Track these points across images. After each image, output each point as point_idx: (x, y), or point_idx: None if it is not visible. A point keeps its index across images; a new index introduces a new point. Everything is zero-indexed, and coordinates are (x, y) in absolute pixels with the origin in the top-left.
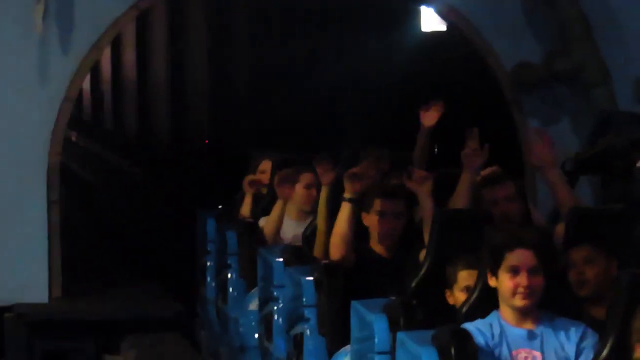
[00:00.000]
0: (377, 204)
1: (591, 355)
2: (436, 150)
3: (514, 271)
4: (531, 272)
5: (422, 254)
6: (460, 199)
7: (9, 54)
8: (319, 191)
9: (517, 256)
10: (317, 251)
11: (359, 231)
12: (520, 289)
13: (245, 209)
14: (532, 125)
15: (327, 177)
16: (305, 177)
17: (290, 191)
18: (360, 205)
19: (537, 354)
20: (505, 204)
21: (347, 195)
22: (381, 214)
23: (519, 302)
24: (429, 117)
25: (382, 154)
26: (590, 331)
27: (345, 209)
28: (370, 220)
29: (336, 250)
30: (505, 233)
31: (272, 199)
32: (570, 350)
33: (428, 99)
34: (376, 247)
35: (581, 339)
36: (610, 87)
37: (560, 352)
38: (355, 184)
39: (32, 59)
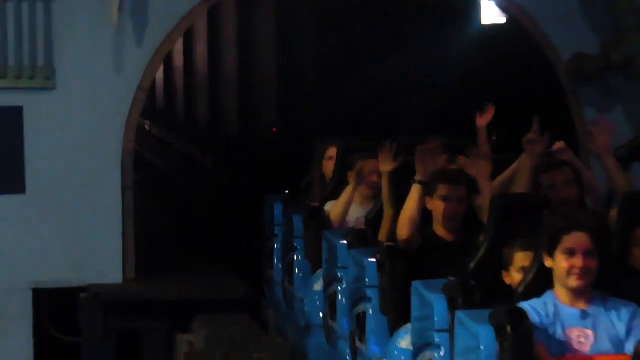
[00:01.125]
0: (441, 188)
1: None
2: (494, 138)
3: (570, 253)
4: (586, 253)
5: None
6: (520, 183)
7: (86, 44)
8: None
9: (573, 238)
10: (382, 234)
11: (422, 215)
12: (575, 270)
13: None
14: (588, 113)
15: (386, 165)
16: (368, 164)
17: (363, 184)
18: (425, 190)
19: (589, 332)
20: (562, 189)
21: (417, 177)
22: (445, 198)
23: (573, 282)
24: (483, 119)
25: (442, 140)
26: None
27: (414, 191)
28: (434, 204)
29: (404, 230)
30: (562, 216)
31: (337, 183)
32: (621, 329)
33: (488, 91)
34: (439, 230)
35: (631, 318)
36: None
37: (611, 330)
38: (425, 164)
39: (107, 49)
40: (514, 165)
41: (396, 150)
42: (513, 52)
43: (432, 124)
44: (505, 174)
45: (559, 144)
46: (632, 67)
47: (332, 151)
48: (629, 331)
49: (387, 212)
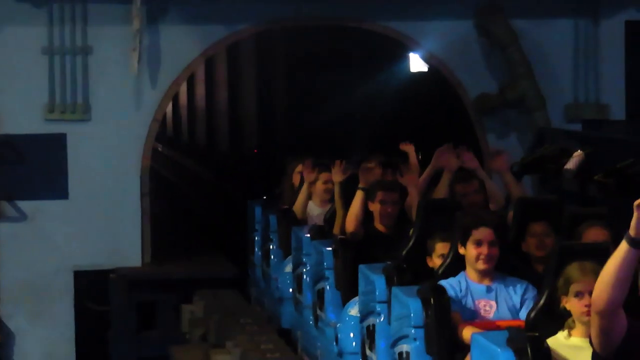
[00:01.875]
0: (380, 194)
1: (531, 304)
2: (420, 157)
3: (478, 243)
4: (490, 244)
5: (411, 230)
6: (441, 190)
7: (114, 87)
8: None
9: (481, 232)
10: (336, 229)
11: (365, 215)
12: (482, 256)
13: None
14: (490, 138)
15: (338, 177)
16: (324, 176)
17: (313, 176)
18: (367, 195)
19: (493, 302)
20: (473, 196)
21: (361, 185)
22: (382, 202)
23: (481, 265)
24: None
25: (381, 158)
26: (531, 287)
27: (358, 196)
28: (374, 206)
29: (351, 225)
30: (472, 216)
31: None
32: (517, 300)
33: (416, 121)
34: (378, 226)
35: (524, 293)
36: (546, 111)
37: (509, 301)
38: (367, 176)
39: (130, 90)
40: (428, 169)
41: (345, 166)
42: (434, 92)
43: (374, 145)
44: (424, 176)
45: (468, 155)
46: (523, 103)
47: (299, 167)
48: (522, 302)
49: (339, 212)
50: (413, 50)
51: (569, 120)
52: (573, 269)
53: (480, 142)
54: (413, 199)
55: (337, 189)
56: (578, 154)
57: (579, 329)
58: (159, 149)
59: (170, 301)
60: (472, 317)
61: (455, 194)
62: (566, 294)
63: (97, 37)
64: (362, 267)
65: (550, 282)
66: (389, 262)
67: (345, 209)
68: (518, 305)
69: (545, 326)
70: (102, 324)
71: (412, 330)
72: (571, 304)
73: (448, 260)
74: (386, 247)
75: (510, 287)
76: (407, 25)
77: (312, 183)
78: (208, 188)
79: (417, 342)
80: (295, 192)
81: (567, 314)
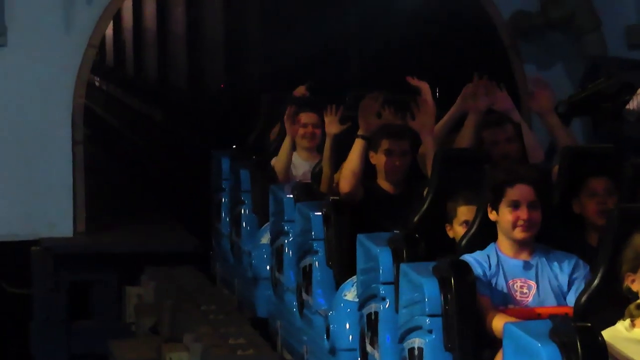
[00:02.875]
0: (385, 143)
1: (582, 285)
2: (437, 95)
3: (515, 205)
4: (530, 206)
5: (425, 191)
6: (465, 138)
7: (36, 2)
8: (323, 131)
9: (518, 191)
10: (323, 187)
11: (366, 170)
12: (520, 222)
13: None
14: (528, 69)
15: (332, 128)
16: (304, 117)
17: (297, 128)
18: (369, 144)
19: (532, 283)
20: (505, 145)
21: (360, 132)
22: (388, 153)
23: (519, 234)
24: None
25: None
26: (582, 263)
27: (357, 146)
28: (378, 158)
29: (346, 183)
30: (506, 170)
31: (282, 138)
32: (563, 280)
33: (431, 48)
34: (383, 184)
35: (573, 271)
36: (600, 34)
37: (554, 281)
38: (369, 120)
39: (58, 7)
40: (451, 111)
41: (343, 112)
42: (455, 10)
43: (378, 78)
44: (444, 121)
45: (500, 94)
46: (571, 24)
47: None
48: (570, 283)
49: (326, 172)
50: None
51: (631, 46)
52: None
53: (515, 75)
54: (428, 148)
55: (328, 143)
56: None
57: None
58: (96, 83)
59: (110, 282)
60: (506, 301)
61: (483, 142)
62: (635, 270)
63: None
64: (361, 238)
65: (608, 256)
66: (396, 231)
67: (335, 168)
68: (565, 287)
69: (601, 314)
70: (23, 310)
71: (427, 320)
72: None
73: (474, 229)
74: (393, 211)
75: (555, 264)
76: None
77: (292, 129)
78: (160, 135)
79: (433, 335)
80: (275, 139)
81: (633, 297)
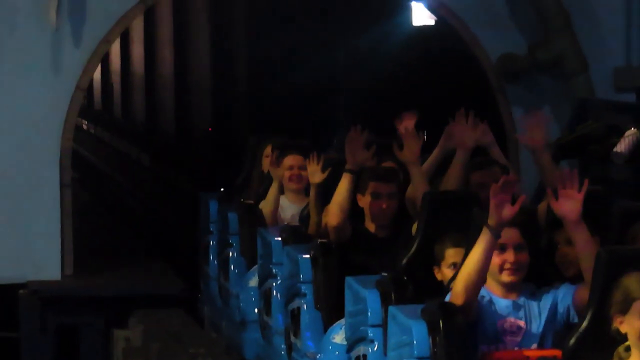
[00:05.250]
0: (372, 186)
1: (569, 299)
2: (425, 136)
3: (502, 248)
4: (517, 248)
5: (414, 230)
6: (452, 179)
7: (24, 45)
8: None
9: (504, 234)
10: (311, 232)
11: (354, 212)
12: (508, 265)
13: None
14: (516, 112)
15: (315, 177)
16: (289, 160)
17: (282, 171)
18: (356, 185)
19: (522, 323)
20: None
21: (348, 166)
22: (375, 195)
23: (506, 277)
24: (404, 124)
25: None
26: (566, 284)
27: (345, 180)
28: (365, 201)
29: (334, 217)
30: None
31: (271, 181)
32: (550, 311)
33: (419, 90)
34: (370, 226)
35: (556, 294)
36: (588, 77)
37: (542, 318)
38: (357, 154)
39: (46, 50)
40: (436, 151)
41: (325, 160)
42: (443, 53)
43: (366, 120)
44: (430, 159)
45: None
46: (558, 66)
47: (269, 150)
48: (554, 305)
49: (313, 218)
50: None
51: (619, 89)
52: (635, 281)
53: (503, 117)
54: (417, 187)
55: (313, 192)
56: (631, 132)
57: (635, 357)
58: (84, 126)
59: (98, 325)
60: (496, 340)
61: (469, 183)
62: (623, 312)
63: None
64: (349, 280)
65: (596, 298)
66: (384, 274)
67: (321, 215)
68: (551, 317)
69: (590, 356)
70: (10, 354)
71: None
72: (631, 324)
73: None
74: (381, 254)
75: (542, 301)
76: None
77: (275, 171)
78: (148, 178)
79: None
80: (263, 182)
81: (622, 339)
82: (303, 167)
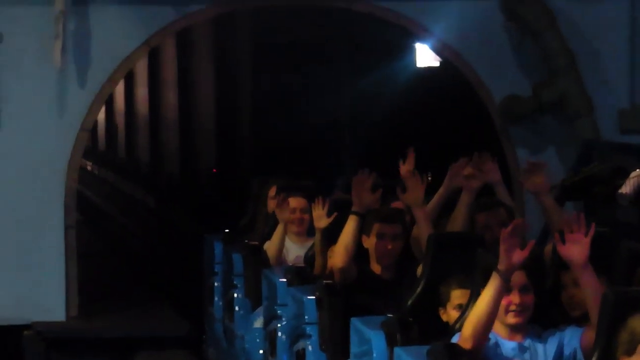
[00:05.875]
0: (376, 227)
1: (576, 343)
2: (430, 178)
3: (507, 290)
4: (523, 290)
5: (419, 271)
6: (458, 220)
7: (29, 85)
8: (311, 215)
9: None
10: (316, 271)
11: (360, 253)
12: (513, 307)
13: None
14: (520, 154)
15: (321, 222)
16: (292, 202)
17: (286, 214)
18: (363, 226)
19: None
20: (497, 229)
21: (354, 208)
22: (380, 236)
23: (511, 319)
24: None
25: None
26: (570, 327)
27: (351, 222)
28: (370, 242)
29: (339, 260)
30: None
31: (275, 222)
32: (556, 354)
33: (423, 132)
34: (375, 267)
35: (561, 337)
36: (593, 118)
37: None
38: (363, 196)
39: (50, 91)
40: (441, 190)
41: (330, 204)
42: (447, 94)
43: (369, 163)
44: (435, 200)
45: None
46: (563, 107)
47: (274, 191)
48: (561, 349)
49: (318, 261)
50: (420, 39)
51: (624, 131)
52: None
53: (507, 159)
54: (421, 229)
55: (318, 237)
56: (636, 174)
57: None
58: (88, 167)
59: None
60: None
61: (474, 224)
62: (630, 353)
63: (9, 21)
64: (355, 321)
65: (603, 339)
66: (390, 315)
67: (326, 259)
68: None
69: None
70: None
71: None
72: None
73: (468, 313)
74: (386, 295)
75: (548, 343)
76: (413, 7)
77: (281, 212)
78: (152, 219)
79: None
80: (268, 223)
81: None
82: (305, 210)
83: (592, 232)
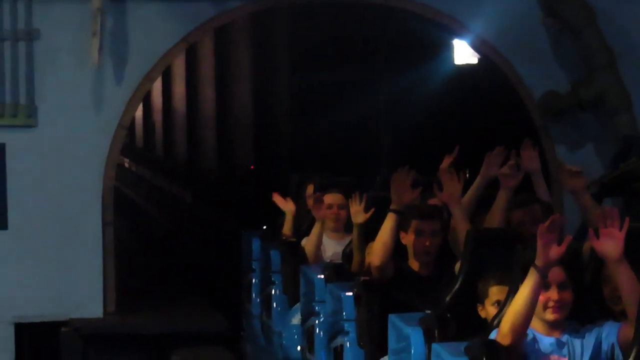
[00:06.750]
0: (415, 224)
1: (614, 338)
2: (467, 175)
3: (545, 286)
4: (561, 286)
5: (457, 268)
6: (495, 217)
7: (67, 83)
8: (348, 211)
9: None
10: (354, 266)
11: (398, 250)
12: (551, 303)
13: (287, 227)
14: (559, 150)
15: (358, 217)
16: (328, 198)
17: (324, 210)
18: (400, 222)
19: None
20: (532, 226)
21: (392, 206)
22: (418, 233)
23: (549, 315)
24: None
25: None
26: (608, 323)
27: (389, 220)
28: (408, 239)
29: (377, 257)
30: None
31: (313, 219)
32: (594, 349)
33: (461, 129)
34: (413, 264)
35: (599, 332)
36: (632, 114)
37: (586, 356)
38: (402, 194)
39: (88, 88)
40: (477, 180)
41: (368, 199)
42: (486, 91)
43: (408, 159)
44: (471, 192)
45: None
46: (601, 104)
47: (311, 189)
48: (598, 344)
49: (356, 257)
50: (459, 35)
51: None
52: None
53: (546, 155)
54: (458, 226)
55: (355, 232)
56: None
57: None
58: (126, 164)
59: None
60: None
61: (511, 221)
62: None
63: (46, 18)
64: (393, 318)
65: None
66: (428, 311)
67: (364, 254)
68: (595, 355)
69: None
70: None
71: None
72: None
73: (506, 309)
74: (424, 291)
75: (586, 338)
76: (451, 3)
77: (318, 212)
78: (190, 216)
79: None
80: (305, 220)
81: None
82: (342, 206)
83: (626, 226)
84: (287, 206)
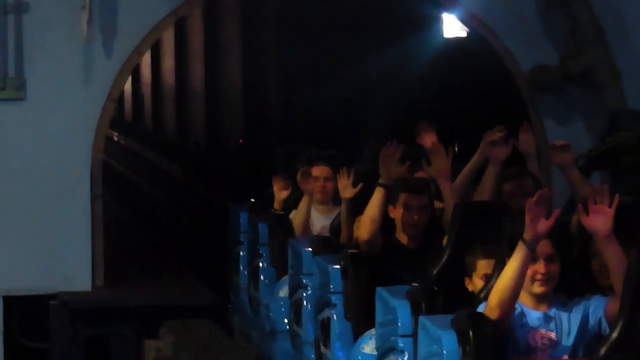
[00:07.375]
0: (403, 198)
1: (600, 312)
2: (456, 148)
3: (533, 259)
4: (548, 259)
5: (445, 242)
6: (484, 190)
7: (56, 56)
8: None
9: None
10: (342, 241)
11: (386, 223)
12: (539, 276)
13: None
14: (548, 124)
15: (347, 192)
16: (315, 171)
17: (311, 184)
18: (389, 196)
19: (553, 335)
20: (523, 199)
21: (381, 180)
22: (407, 207)
23: (537, 288)
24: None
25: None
26: (597, 296)
27: (378, 194)
28: (396, 213)
29: (365, 231)
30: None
31: (301, 192)
32: (581, 323)
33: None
34: (401, 237)
35: (587, 306)
36: (620, 88)
37: (573, 330)
38: (390, 168)
39: (77, 61)
40: (471, 164)
41: (355, 173)
42: (474, 65)
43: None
44: (465, 171)
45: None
46: (590, 78)
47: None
48: (586, 318)
49: (344, 231)
50: (448, 9)
51: None
52: None
53: (535, 128)
54: (446, 199)
55: (344, 207)
56: None
57: None
58: (115, 137)
59: (128, 336)
60: (528, 352)
61: (502, 193)
62: None
63: None
64: (380, 291)
65: (627, 307)
66: (415, 284)
67: (352, 229)
68: (582, 329)
69: None
70: None
71: None
72: None
73: (493, 282)
74: (411, 265)
75: (573, 312)
76: None
77: (307, 187)
78: (178, 189)
79: None
80: (292, 193)
81: None
82: (329, 179)
83: (615, 202)
84: (281, 194)
